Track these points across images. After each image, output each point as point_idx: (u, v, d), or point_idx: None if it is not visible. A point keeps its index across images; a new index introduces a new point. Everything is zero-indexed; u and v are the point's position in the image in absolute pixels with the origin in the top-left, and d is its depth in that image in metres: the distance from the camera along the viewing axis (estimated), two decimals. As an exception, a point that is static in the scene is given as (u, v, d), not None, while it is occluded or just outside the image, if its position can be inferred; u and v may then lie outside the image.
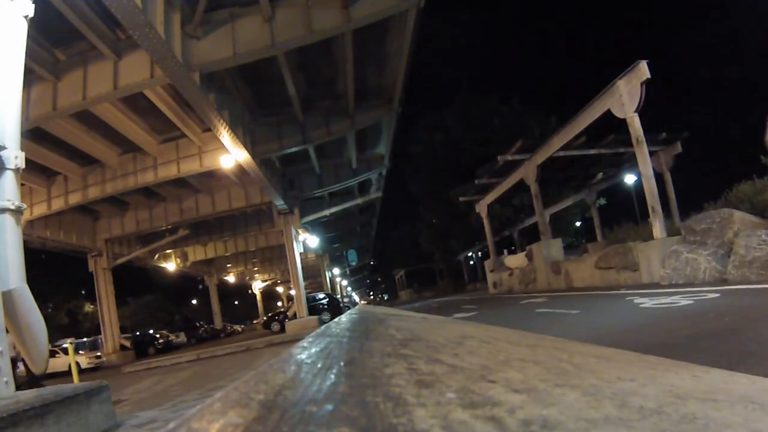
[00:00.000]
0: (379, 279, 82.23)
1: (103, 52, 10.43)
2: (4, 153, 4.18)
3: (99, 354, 20.42)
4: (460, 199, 21.25)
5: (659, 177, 12.97)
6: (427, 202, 36.63)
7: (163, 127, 15.14)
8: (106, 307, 21.35)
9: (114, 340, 21.73)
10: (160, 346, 25.05)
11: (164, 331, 28.21)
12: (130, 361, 19.71)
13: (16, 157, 4.27)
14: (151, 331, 29.55)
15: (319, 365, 0.67)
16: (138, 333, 29.53)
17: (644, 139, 9.38)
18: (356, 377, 0.54)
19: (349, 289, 67.35)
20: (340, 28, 10.18)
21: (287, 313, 22.49)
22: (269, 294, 54.43)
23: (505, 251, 16.65)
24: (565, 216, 28.41)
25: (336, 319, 3.31)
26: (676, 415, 0.35)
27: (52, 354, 16.67)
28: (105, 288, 21.31)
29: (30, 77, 10.14)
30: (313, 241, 24.34)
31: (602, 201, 24.36)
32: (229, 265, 37.65)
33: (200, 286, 46.63)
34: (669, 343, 2.95)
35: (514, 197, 23.72)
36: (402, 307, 18.36)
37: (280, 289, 52.80)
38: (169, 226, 21.81)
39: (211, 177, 18.65)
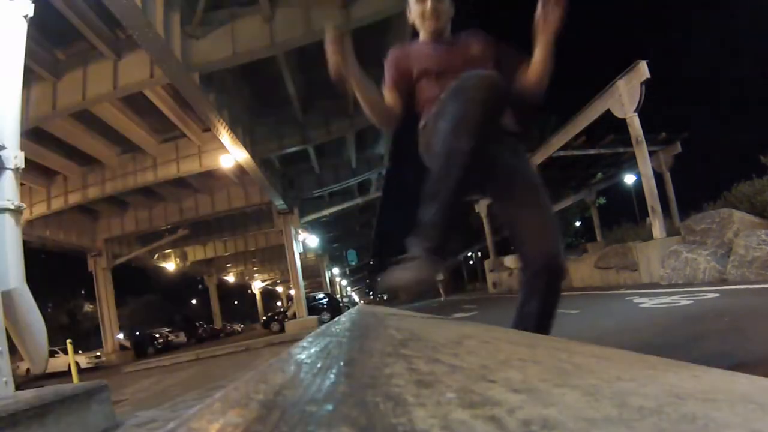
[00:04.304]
0: (378, 279, 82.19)
1: (103, 52, 10.43)
2: (3, 153, 4.17)
3: (98, 354, 20.43)
4: (460, 199, 21.18)
5: (659, 177, 12.94)
6: (426, 202, 36.49)
7: (162, 127, 15.12)
8: (106, 307, 21.35)
9: (113, 340, 21.75)
10: (159, 346, 25.02)
11: (164, 331, 28.15)
12: (129, 361, 19.71)
13: (15, 157, 4.26)
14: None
15: (319, 365, 0.67)
16: (137, 332, 29.49)
17: (644, 139, 9.38)
18: (356, 377, 0.54)
19: (349, 288, 67.38)
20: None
21: (287, 313, 22.48)
22: (269, 294, 54.38)
23: None
24: (564, 216, 28.37)
25: (335, 319, 3.31)
26: (675, 415, 0.35)
27: (52, 354, 16.66)
28: (104, 288, 21.30)
29: (30, 77, 10.13)
30: (312, 240, 24.33)
31: (602, 200, 24.33)
32: (228, 265, 37.63)
33: (200, 286, 46.61)
34: (669, 343, 2.95)
35: (514, 197, 23.62)
36: (401, 306, 18.34)
37: (279, 289, 52.75)
38: (168, 226, 21.79)
39: (211, 177, 18.64)
